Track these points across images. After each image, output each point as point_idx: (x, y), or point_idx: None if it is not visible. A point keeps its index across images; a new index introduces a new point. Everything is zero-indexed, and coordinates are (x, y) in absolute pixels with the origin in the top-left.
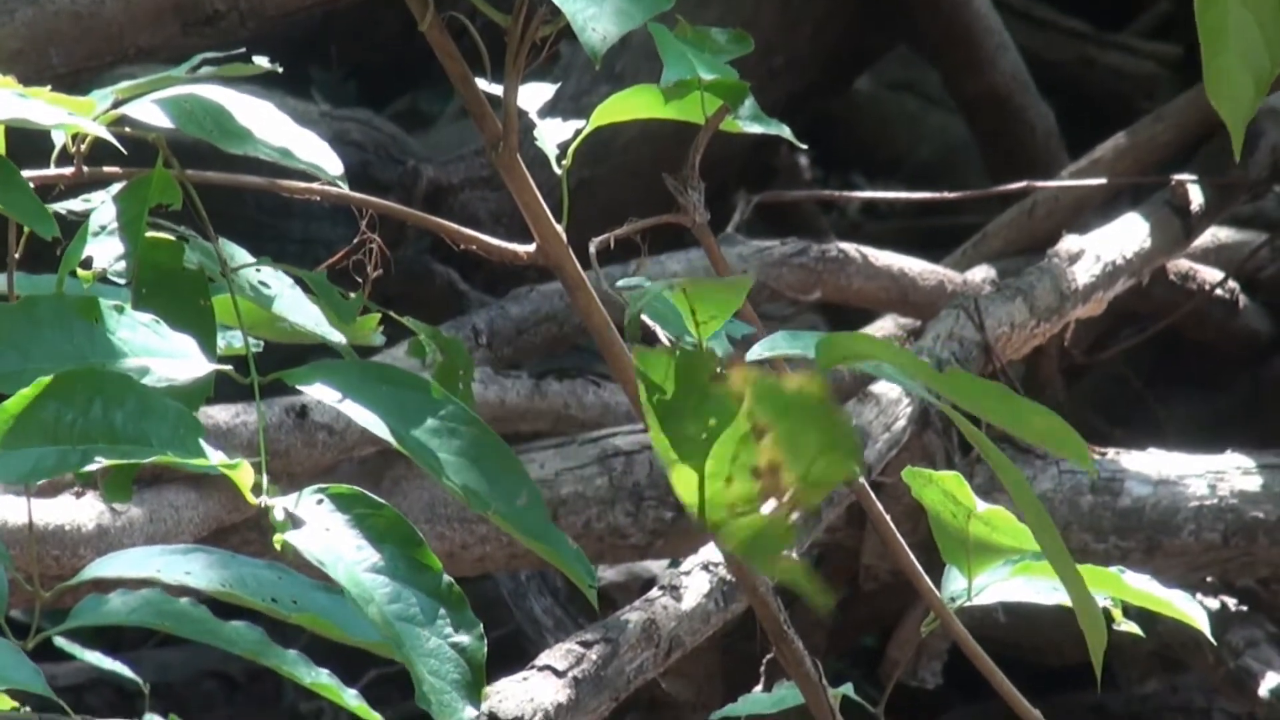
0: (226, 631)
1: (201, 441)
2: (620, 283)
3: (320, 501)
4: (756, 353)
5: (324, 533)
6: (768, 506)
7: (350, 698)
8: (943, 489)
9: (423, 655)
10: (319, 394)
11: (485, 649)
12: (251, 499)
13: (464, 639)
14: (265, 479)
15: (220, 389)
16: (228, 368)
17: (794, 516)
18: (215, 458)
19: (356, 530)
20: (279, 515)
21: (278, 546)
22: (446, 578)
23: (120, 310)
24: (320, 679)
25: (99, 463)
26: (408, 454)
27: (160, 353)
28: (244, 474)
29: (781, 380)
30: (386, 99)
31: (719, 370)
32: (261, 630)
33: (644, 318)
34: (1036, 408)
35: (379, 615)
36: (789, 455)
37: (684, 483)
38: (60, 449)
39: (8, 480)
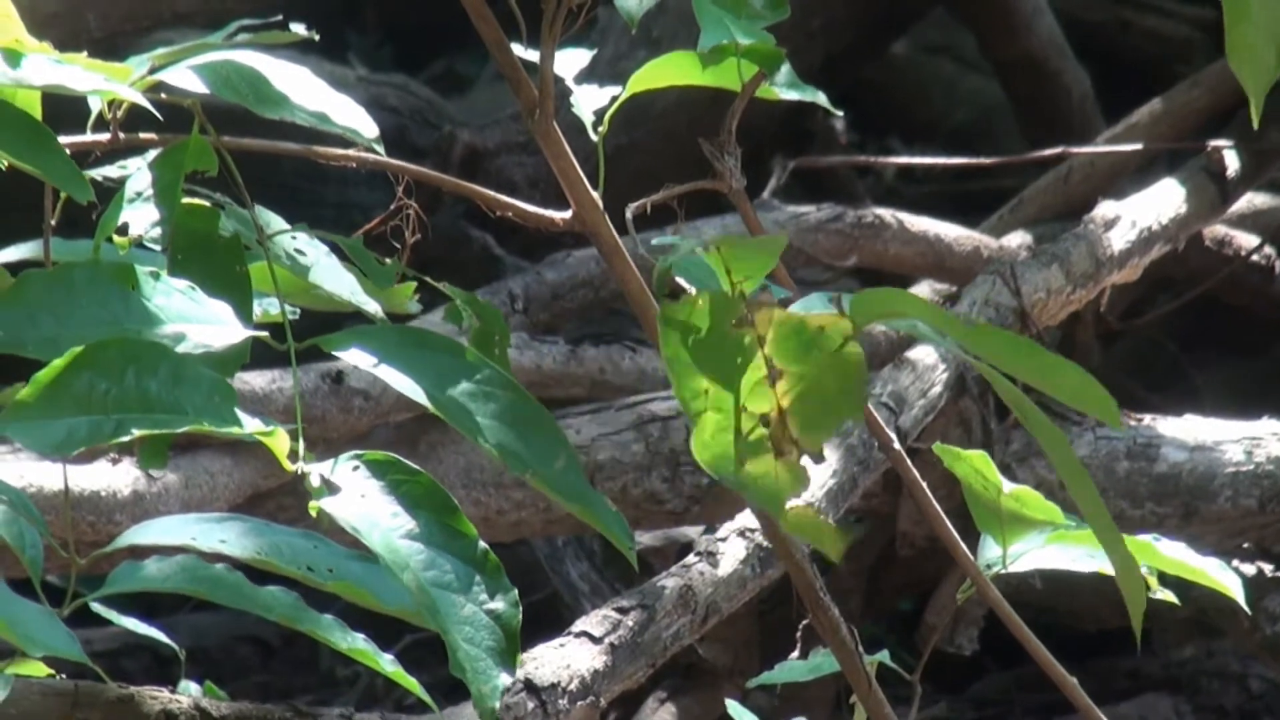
0: (262, 597)
1: (237, 409)
2: (654, 242)
3: (356, 468)
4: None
5: (359, 499)
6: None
7: (386, 663)
8: (972, 465)
9: (457, 622)
10: (355, 359)
11: (520, 616)
12: (288, 465)
13: (499, 605)
14: (301, 445)
15: (256, 356)
16: (264, 334)
17: (801, 460)
18: (250, 425)
19: (392, 497)
20: (315, 482)
21: (313, 513)
22: (482, 544)
23: (156, 276)
24: (356, 644)
25: (132, 433)
26: (444, 417)
27: (196, 319)
28: (280, 441)
29: (807, 319)
30: (422, 63)
31: (745, 315)
32: (297, 595)
33: (679, 279)
34: (1067, 365)
35: (414, 582)
36: (799, 398)
37: (699, 433)
38: (93, 419)
39: (41, 450)
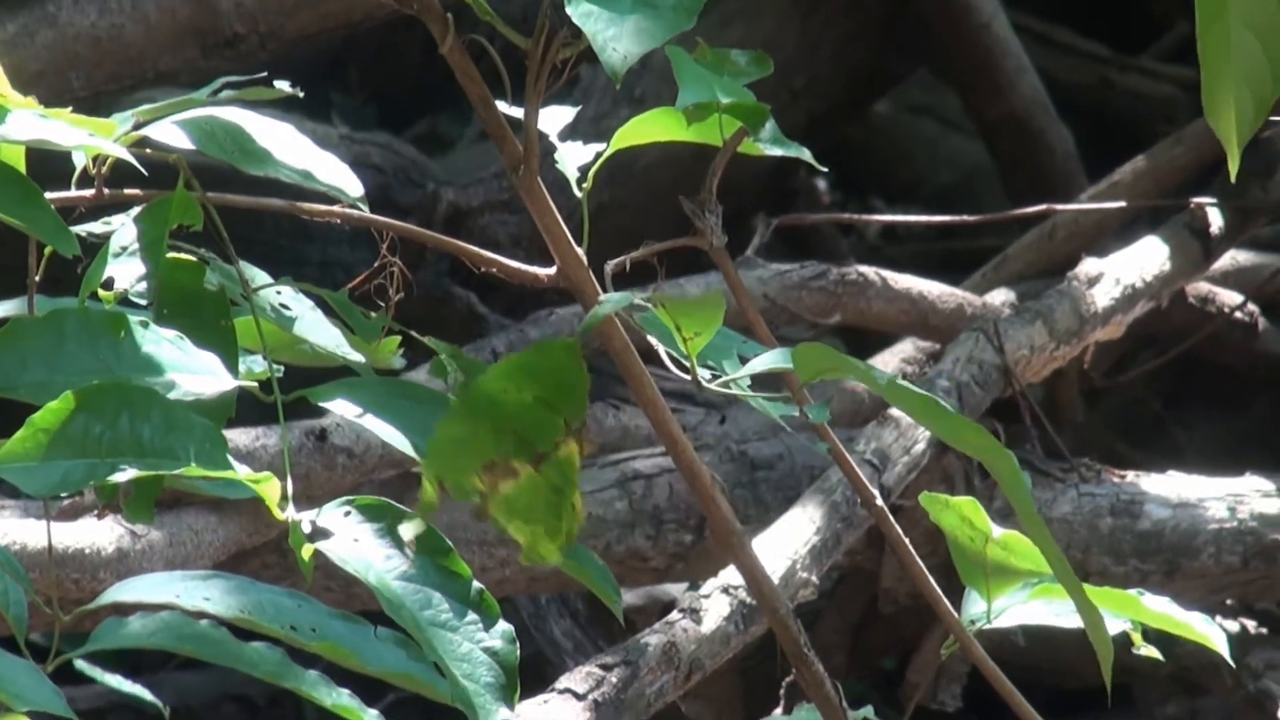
0: (247, 654)
1: (229, 457)
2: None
3: (348, 514)
4: (751, 368)
5: (353, 543)
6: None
7: (371, 719)
8: (960, 514)
9: (455, 660)
10: (340, 409)
11: (517, 652)
12: (278, 514)
13: (495, 643)
14: (290, 493)
15: (239, 415)
16: (252, 384)
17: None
18: (242, 472)
19: (385, 540)
20: (305, 528)
21: (305, 557)
22: (476, 584)
23: (145, 326)
24: (341, 700)
25: (127, 473)
26: None
27: (185, 368)
28: (271, 488)
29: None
30: (406, 123)
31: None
32: (282, 652)
33: (648, 336)
34: (972, 426)
35: (411, 620)
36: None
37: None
38: (89, 462)
39: (37, 493)
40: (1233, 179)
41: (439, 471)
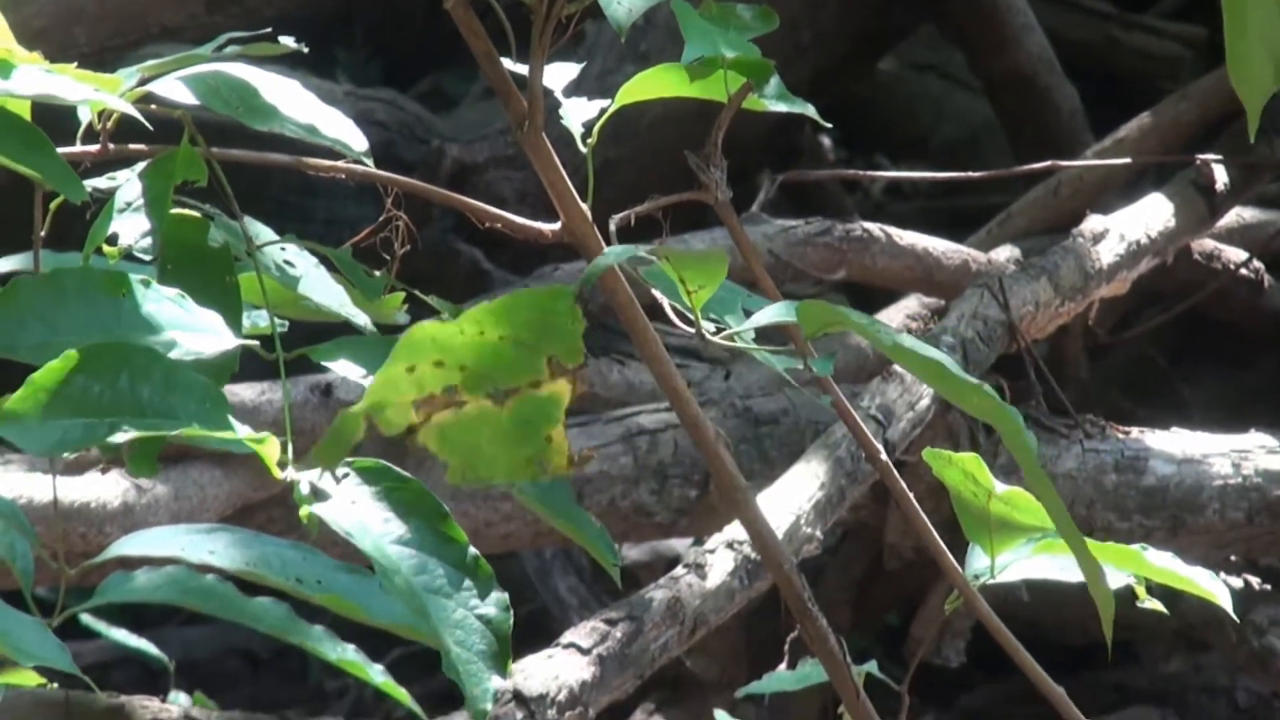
0: (252, 608)
1: (229, 416)
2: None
3: (346, 475)
4: (754, 321)
5: (350, 505)
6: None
7: (376, 674)
8: (963, 470)
9: (449, 626)
10: (343, 369)
11: (511, 620)
12: (277, 473)
13: (490, 610)
14: (291, 454)
15: (243, 369)
16: (254, 343)
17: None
18: (242, 432)
19: (383, 503)
20: (304, 489)
21: (304, 519)
22: (472, 550)
23: (146, 284)
24: (346, 655)
25: (126, 434)
26: None
27: (186, 327)
28: (270, 448)
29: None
30: (411, 80)
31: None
32: (287, 607)
33: (653, 291)
34: (976, 386)
35: (405, 586)
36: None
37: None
38: (88, 421)
39: (36, 452)
40: (1252, 138)
41: (372, 407)
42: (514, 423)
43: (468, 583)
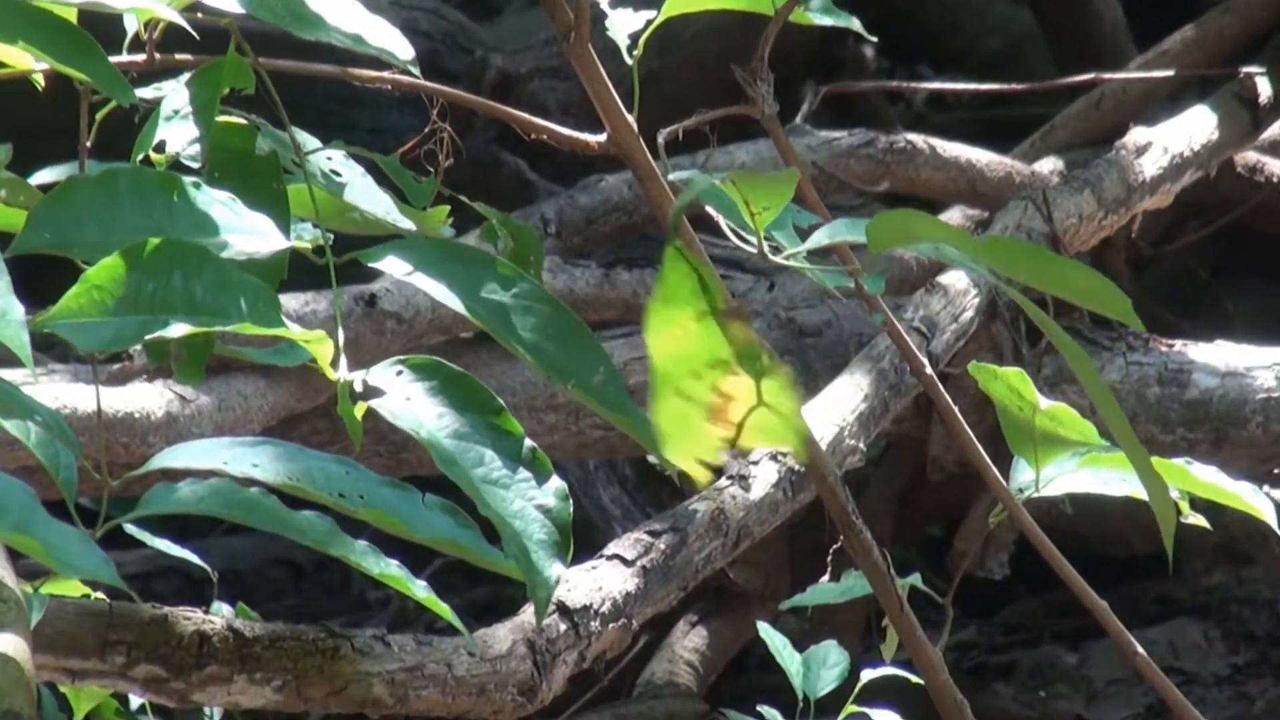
0: (295, 521)
1: (281, 316)
2: (673, 176)
3: (400, 373)
4: (816, 240)
5: (405, 401)
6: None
7: (419, 589)
8: (1008, 384)
9: (510, 516)
10: (391, 267)
11: (571, 509)
12: (330, 373)
13: (549, 501)
14: (343, 355)
15: (288, 283)
16: (305, 244)
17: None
18: (295, 332)
19: (438, 398)
20: (357, 387)
21: (358, 416)
22: (529, 442)
23: (198, 187)
24: (389, 569)
25: (180, 329)
26: (481, 325)
27: (237, 229)
28: (324, 348)
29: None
30: None
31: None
32: (330, 520)
33: (708, 209)
34: (1078, 266)
35: (464, 477)
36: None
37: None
38: (141, 318)
39: (90, 348)
40: None
41: (684, 455)
42: (754, 377)
43: (525, 473)
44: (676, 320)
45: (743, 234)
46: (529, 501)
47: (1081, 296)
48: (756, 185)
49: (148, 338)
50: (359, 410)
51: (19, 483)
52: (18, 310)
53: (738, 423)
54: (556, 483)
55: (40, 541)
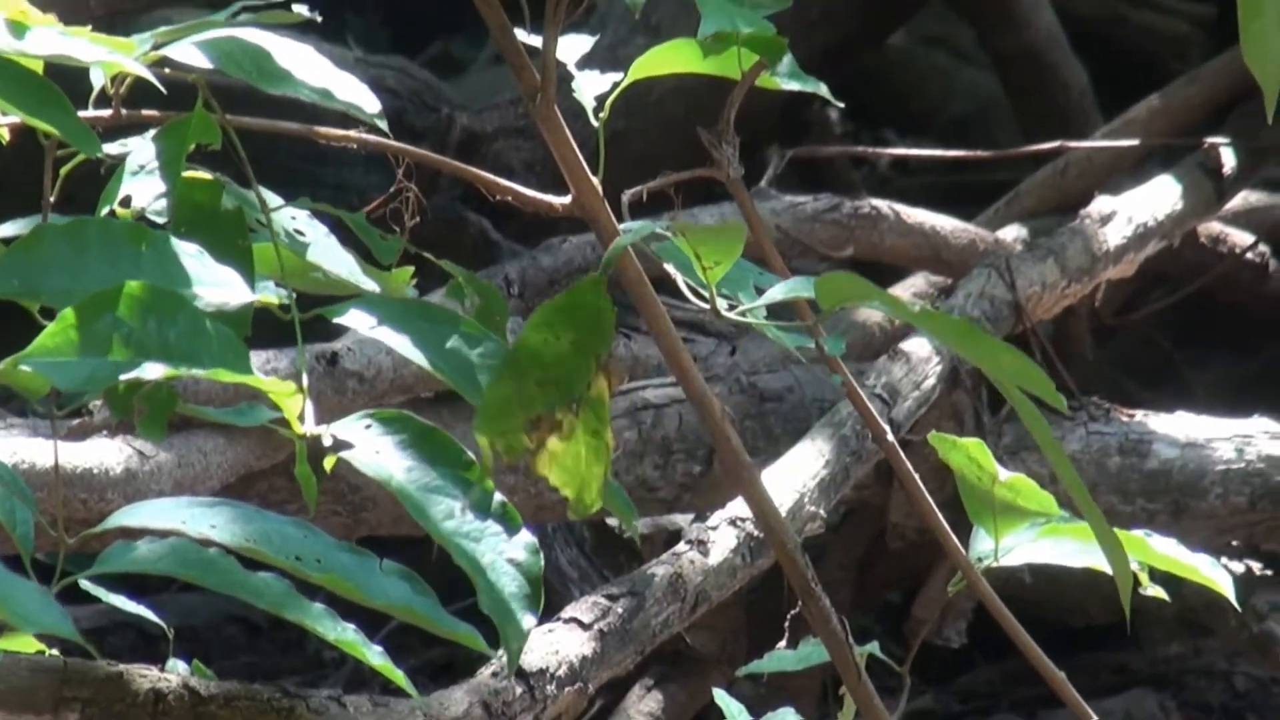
0: (252, 583)
1: (251, 366)
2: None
3: (369, 426)
4: (771, 296)
5: (375, 454)
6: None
7: (374, 655)
8: (967, 454)
9: (482, 568)
10: (355, 321)
11: (541, 562)
12: (298, 427)
13: (519, 554)
14: (309, 408)
15: (249, 341)
16: (271, 299)
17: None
18: (266, 381)
19: (407, 451)
20: (326, 440)
21: (328, 469)
22: (499, 496)
23: (165, 240)
24: (345, 634)
25: (157, 370)
26: (444, 379)
27: (205, 281)
28: (293, 401)
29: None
30: (419, 46)
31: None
32: (288, 582)
33: (667, 267)
34: (1006, 347)
35: (436, 529)
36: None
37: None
38: (115, 360)
39: (68, 387)
40: (1269, 120)
41: (490, 434)
42: (589, 435)
43: (496, 526)
44: (561, 333)
45: (699, 290)
46: (499, 554)
47: (1006, 375)
48: (706, 239)
49: (122, 378)
50: (328, 463)
51: None
52: None
53: (545, 445)
54: (526, 536)
55: (1, 596)
